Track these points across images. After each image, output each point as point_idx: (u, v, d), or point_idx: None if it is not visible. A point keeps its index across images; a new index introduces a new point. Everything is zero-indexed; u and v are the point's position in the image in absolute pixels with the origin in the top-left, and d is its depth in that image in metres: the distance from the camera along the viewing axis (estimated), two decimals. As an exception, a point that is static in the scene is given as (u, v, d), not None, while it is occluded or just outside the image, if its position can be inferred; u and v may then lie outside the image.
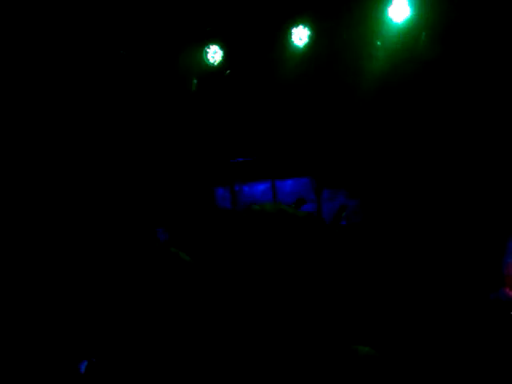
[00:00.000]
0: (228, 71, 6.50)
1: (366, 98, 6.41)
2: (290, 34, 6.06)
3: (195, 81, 6.54)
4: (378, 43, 6.04)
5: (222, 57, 6.24)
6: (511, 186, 5.68)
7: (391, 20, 5.76)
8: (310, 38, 6.03)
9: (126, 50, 6.00)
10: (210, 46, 6.20)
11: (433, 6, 5.69)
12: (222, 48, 6.22)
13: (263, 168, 6.99)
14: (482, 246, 5.16)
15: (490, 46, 5.77)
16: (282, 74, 6.39)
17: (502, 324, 3.64)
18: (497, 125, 6.11)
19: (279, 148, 6.88)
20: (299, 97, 6.57)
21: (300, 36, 6.04)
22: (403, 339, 4.53)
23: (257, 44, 6.17)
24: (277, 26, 6.08)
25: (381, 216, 6.80)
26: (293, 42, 6.08)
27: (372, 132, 6.75)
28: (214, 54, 6.21)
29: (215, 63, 6.26)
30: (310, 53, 6.21)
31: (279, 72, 6.41)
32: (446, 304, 4.91)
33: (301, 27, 6.00)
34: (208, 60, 6.24)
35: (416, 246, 6.23)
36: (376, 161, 6.81)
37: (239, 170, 7.00)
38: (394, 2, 5.65)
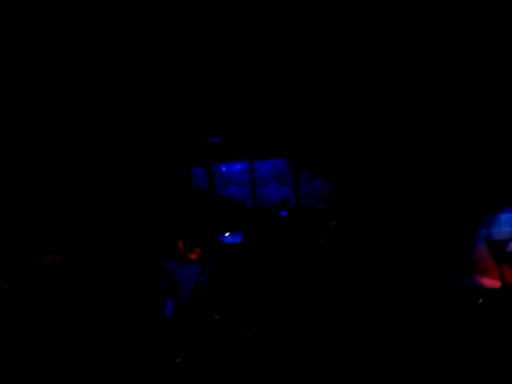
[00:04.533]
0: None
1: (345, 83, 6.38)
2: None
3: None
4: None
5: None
6: (482, 176, 5.77)
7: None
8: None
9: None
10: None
11: None
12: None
13: (241, 148, 6.94)
14: (455, 232, 5.23)
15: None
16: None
17: (472, 311, 3.71)
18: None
19: (257, 128, 6.82)
20: (279, 77, 6.51)
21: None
22: (375, 324, 4.57)
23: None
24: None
25: (356, 199, 6.84)
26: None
27: (350, 116, 6.75)
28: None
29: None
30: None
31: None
32: (419, 290, 4.98)
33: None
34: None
35: (387, 231, 6.29)
36: (353, 146, 6.83)
37: (216, 149, 6.93)
38: None
